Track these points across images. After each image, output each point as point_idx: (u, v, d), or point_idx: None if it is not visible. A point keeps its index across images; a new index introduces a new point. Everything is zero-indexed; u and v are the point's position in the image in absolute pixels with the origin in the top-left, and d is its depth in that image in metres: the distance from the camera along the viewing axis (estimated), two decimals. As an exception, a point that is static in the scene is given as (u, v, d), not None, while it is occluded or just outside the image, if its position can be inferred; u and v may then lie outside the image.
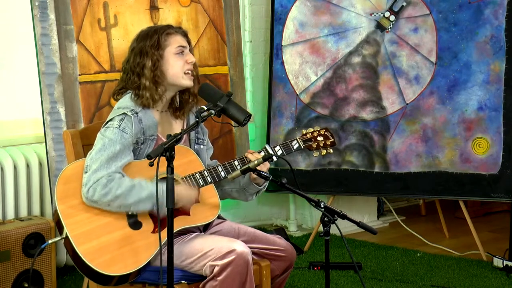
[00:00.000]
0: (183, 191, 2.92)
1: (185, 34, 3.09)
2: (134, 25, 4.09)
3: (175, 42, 3.03)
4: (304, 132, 3.19)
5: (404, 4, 4.66)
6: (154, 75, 2.99)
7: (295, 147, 3.13)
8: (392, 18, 4.68)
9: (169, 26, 3.07)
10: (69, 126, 3.89)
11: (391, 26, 4.68)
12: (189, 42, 3.09)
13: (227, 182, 3.15)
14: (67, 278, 4.18)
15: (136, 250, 2.85)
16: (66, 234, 2.83)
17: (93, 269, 2.79)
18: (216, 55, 4.47)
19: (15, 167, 4.03)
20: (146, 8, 4.18)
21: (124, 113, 2.94)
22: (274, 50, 4.84)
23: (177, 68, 3.02)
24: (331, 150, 3.19)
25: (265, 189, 3.17)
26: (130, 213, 2.90)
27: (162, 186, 2.72)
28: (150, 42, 3.00)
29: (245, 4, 5.14)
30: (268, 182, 3.12)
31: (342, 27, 4.75)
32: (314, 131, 3.18)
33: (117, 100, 3.08)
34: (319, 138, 3.17)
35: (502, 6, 4.49)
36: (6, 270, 3.70)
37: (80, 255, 2.80)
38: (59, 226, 2.87)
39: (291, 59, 4.81)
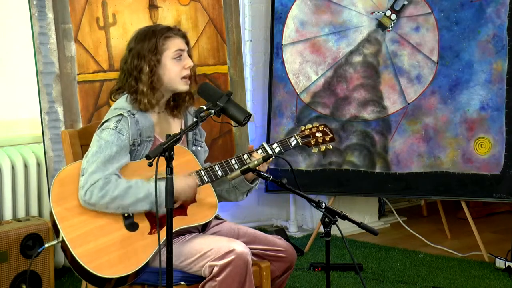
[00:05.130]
0: (181, 185, 2.87)
1: (183, 36, 3.05)
2: (133, 24, 4.07)
3: (173, 46, 2.98)
4: (302, 129, 3.16)
5: (406, 2, 4.63)
6: (151, 81, 2.95)
7: (293, 143, 3.10)
8: (394, 17, 4.65)
9: (168, 29, 3.01)
10: (67, 126, 3.87)
11: (392, 25, 4.66)
12: (187, 43, 3.05)
13: (217, 183, 3.10)
14: (65, 279, 4.16)
15: (133, 252, 2.83)
16: (62, 237, 2.80)
17: (91, 272, 2.77)
18: (216, 54, 4.44)
19: (13, 167, 4.01)
20: (145, 7, 4.15)
21: (120, 114, 2.92)
22: (274, 49, 4.82)
23: (174, 73, 2.98)
24: (330, 146, 3.16)
25: (256, 187, 3.14)
26: (126, 214, 2.87)
27: (160, 186, 2.70)
28: (148, 45, 2.95)
29: (245, 3, 5.12)
30: (259, 180, 3.10)
31: (343, 26, 4.72)
32: (313, 127, 3.15)
33: (114, 100, 3.05)
34: (318, 134, 3.14)
35: (504, 4, 4.46)
36: (3, 271, 3.68)
37: (77, 258, 2.77)
38: (55, 229, 2.85)
39: (292, 58, 4.79)
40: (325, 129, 3.16)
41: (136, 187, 2.83)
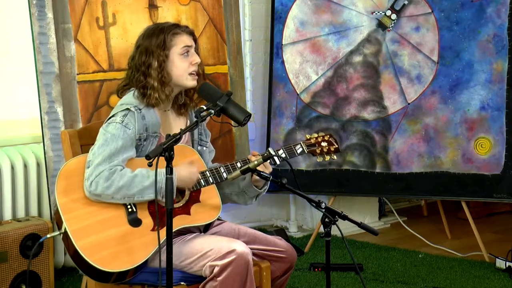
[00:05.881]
0: (182, 170, 2.90)
1: (191, 33, 3.06)
2: (133, 24, 4.06)
3: (180, 42, 3.01)
4: (308, 137, 3.18)
5: (406, 2, 4.62)
6: (161, 75, 2.97)
7: (298, 151, 3.12)
8: (394, 16, 4.64)
9: (175, 26, 3.04)
10: (67, 126, 3.87)
11: (393, 24, 4.65)
12: (195, 40, 3.07)
13: (226, 185, 3.13)
14: (65, 279, 4.15)
15: (135, 248, 2.83)
16: (65, 228, 2.80)
17: (92, 265, 2.77)
18: (216, 54, 4.44)
19: (12, 167, 4.00)
20: (145, 7, 4.15)
21: (127, 109, 2.93)
22: (275, 49, 4.81)
23: (181, 69, 3.00)
24: (335, 157, 3.18)
25: (264, 192, 3.15)
26: (130, 210, 2.87)
27: (162, 172, 2.72)
28: (156, 41, 2.98)
29: (245, 3, 5.11)
30: (267, 185, 3.12)
31: (343, 26, 4.72)
32: (318, 136, 3.17)
33: (121, 97, 3.06)
34: (323, 144, 3.15)
35: (505, 4, 4.46)
36: (3, 272, 3.67)
37: (79, 250, 2.77)
38: (58, 221, 2.84)
39: (292, 58, 4.78)
40: (330, 139, 3.17)
41: (141, 176, 2.84)
